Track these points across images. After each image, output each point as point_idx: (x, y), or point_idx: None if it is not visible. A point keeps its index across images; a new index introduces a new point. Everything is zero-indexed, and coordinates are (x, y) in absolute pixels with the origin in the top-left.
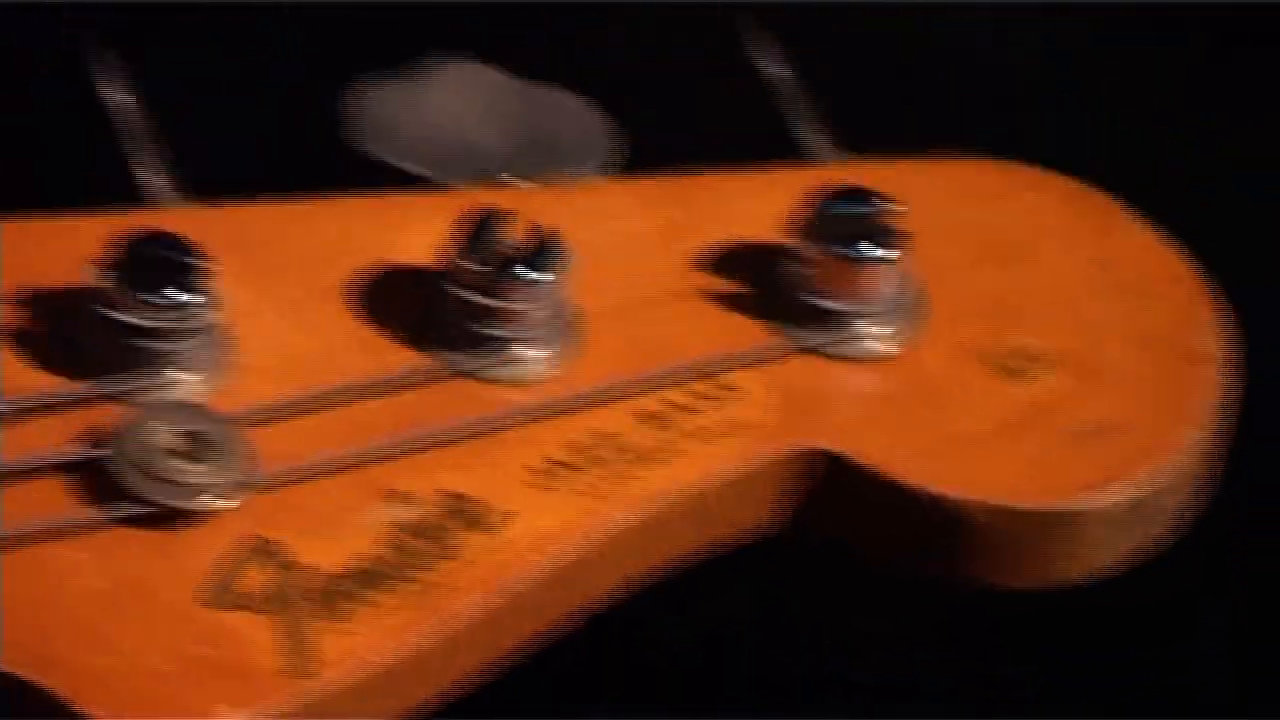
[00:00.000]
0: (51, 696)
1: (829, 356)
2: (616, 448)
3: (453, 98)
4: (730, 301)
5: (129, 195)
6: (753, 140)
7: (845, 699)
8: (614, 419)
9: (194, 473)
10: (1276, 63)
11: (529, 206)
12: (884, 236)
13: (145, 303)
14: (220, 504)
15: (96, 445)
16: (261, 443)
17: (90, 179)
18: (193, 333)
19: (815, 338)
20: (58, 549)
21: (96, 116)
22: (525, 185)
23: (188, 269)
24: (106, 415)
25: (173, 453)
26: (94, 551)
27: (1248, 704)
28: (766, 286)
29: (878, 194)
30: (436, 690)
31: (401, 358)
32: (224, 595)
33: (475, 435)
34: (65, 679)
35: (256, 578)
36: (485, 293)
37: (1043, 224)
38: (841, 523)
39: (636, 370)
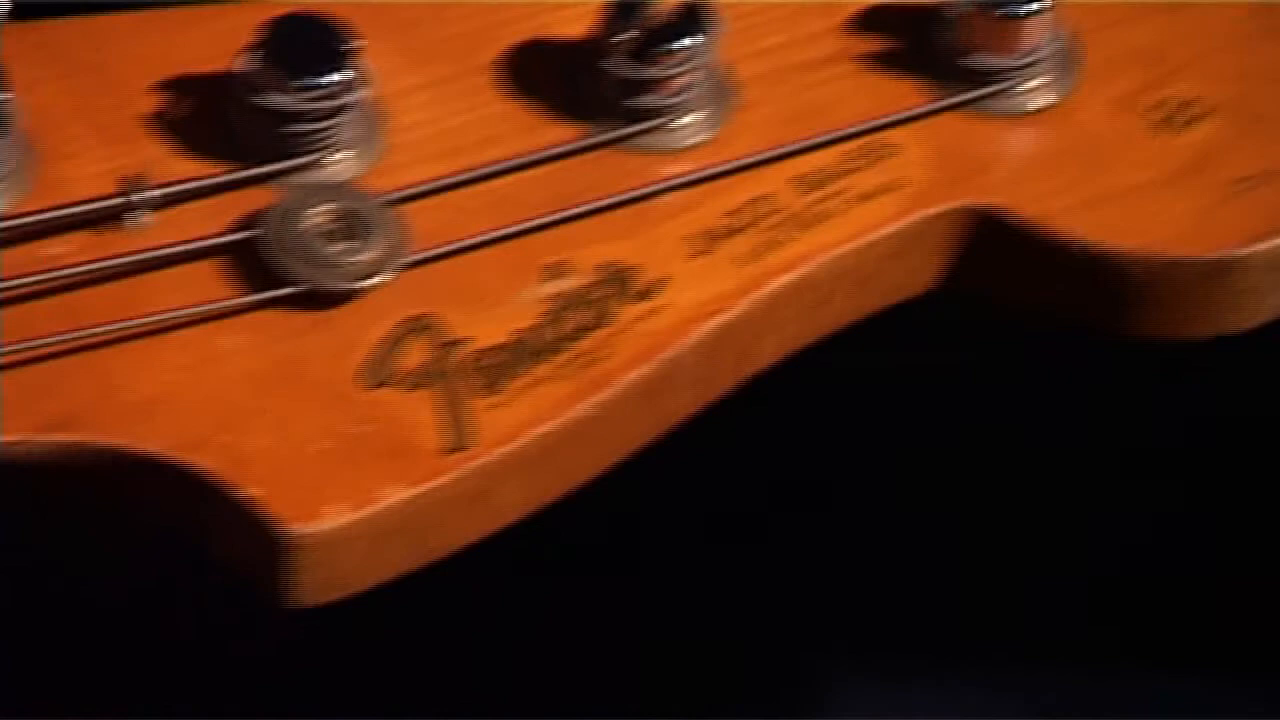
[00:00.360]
0: (212, 480)
1: (984, 114)
2: (773, 212)
3: None
4: (884, 63)
5: None
6: None
7: None
8: (770, 184)
9: (349, 253)
10: None
11: None
12: None
13: (297, 84)
14: (375, 283)
15: (251, 229)
16: (416, 220)
17: None
18: (343, 113)
19: (970, 95)
20: (215, 334)
21: None
22: None
23: (337, 48)
24: (261, 199)
25: (327, 233)
26: (251, 335)
27: None
28: (920, 46)
29: None
30: (596, 463)
31: (555, 133)
32: (381, 374)
33: (630, 205)
34: (226, 462)
35: (414, 355)
36: (638, 62)
37: None
38: (997, 281)
39: (792, 135)
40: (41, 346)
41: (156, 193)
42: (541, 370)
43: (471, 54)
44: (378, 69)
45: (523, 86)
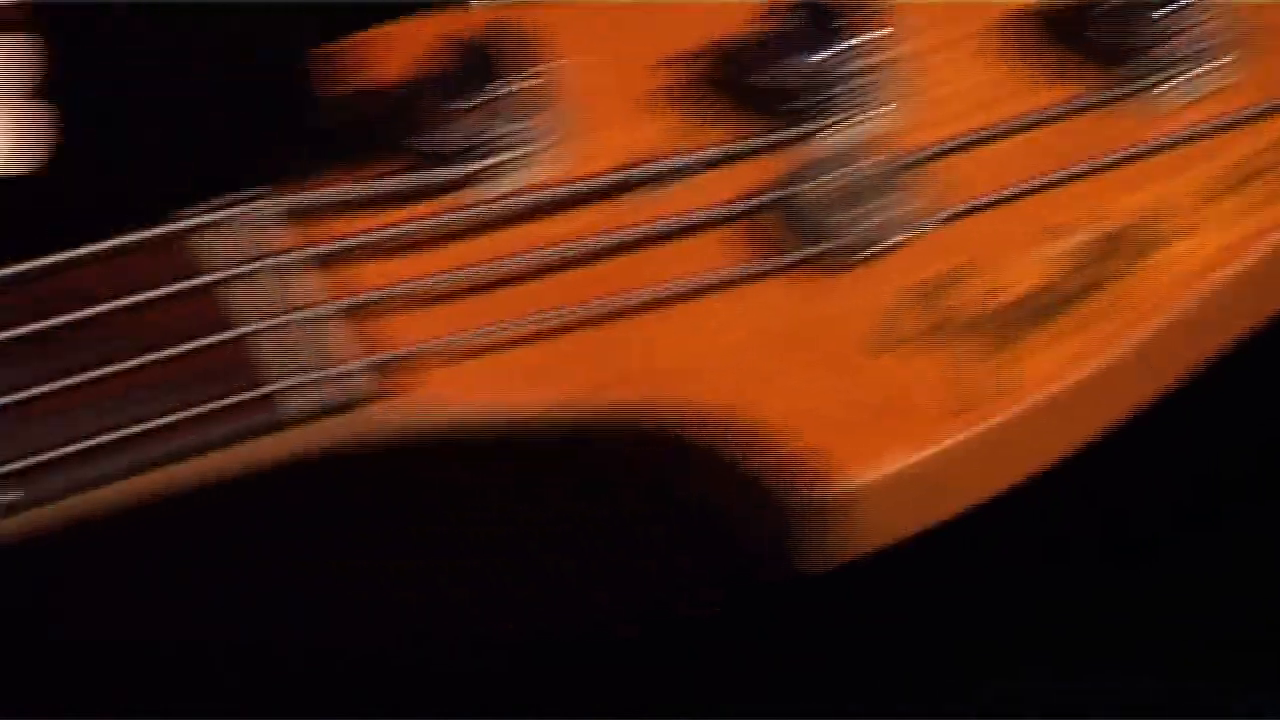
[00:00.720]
0: (724, 445)
1: None
2: None
3: None
4: None
5: None
6: None
7: None
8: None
9: (867, 213)
10: None
11: None
12: None
13: (826, 47)
14: (894, 241)
15: (768, 194)
16: (937, 178)
17: None
18: (862, 77)
19: None
20: (731, 298)
21: None
22: None
23: (861, 9)
24: (768, 169)
25: (847, 195)
26: (769, 296)
27: None
28: None
29: None
30: (1108, 419)
31: (1055, 93)
32: (894, 334)
33: (1144, 156)
34: (739, 427)
35: (926, 315)
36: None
37: None
38: None
39: None
40: (578, 314)
41: (683, 160)
42: (1056, 324)
43: (975, 19)
44: (897, 32)
45: (1018, 50)
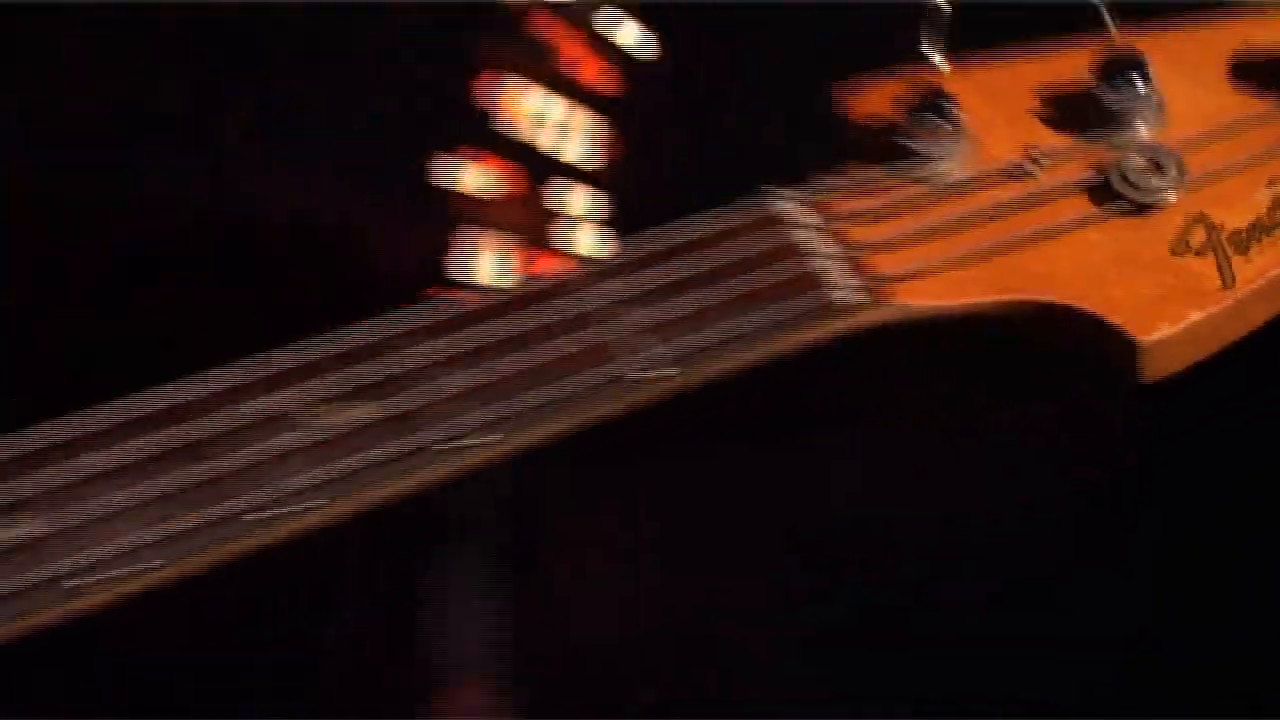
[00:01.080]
0: (1089, 314)
1: None
2: None
3: None
4: None
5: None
6: None
7: None
8: None
9: (1156, 181)
10: None
11: None
12: None
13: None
14: (1172, 197)
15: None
16: (1193, 160)
17: None
18: (1144, 103)
19: None
20: (1091, 232)
21: None
22: None
23: (1141, 70)
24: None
25: (1145, 170)
26: (1105, 232)
27: None
28: None
29: None
30: None
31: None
32: (1181, 247)
33: None
34: (1096, 305)
35: (1199, 235)
36: None
37: None
38: None
39: None
40: (1004, 240)
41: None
42: (1264, 242)
43: (1218, 49)
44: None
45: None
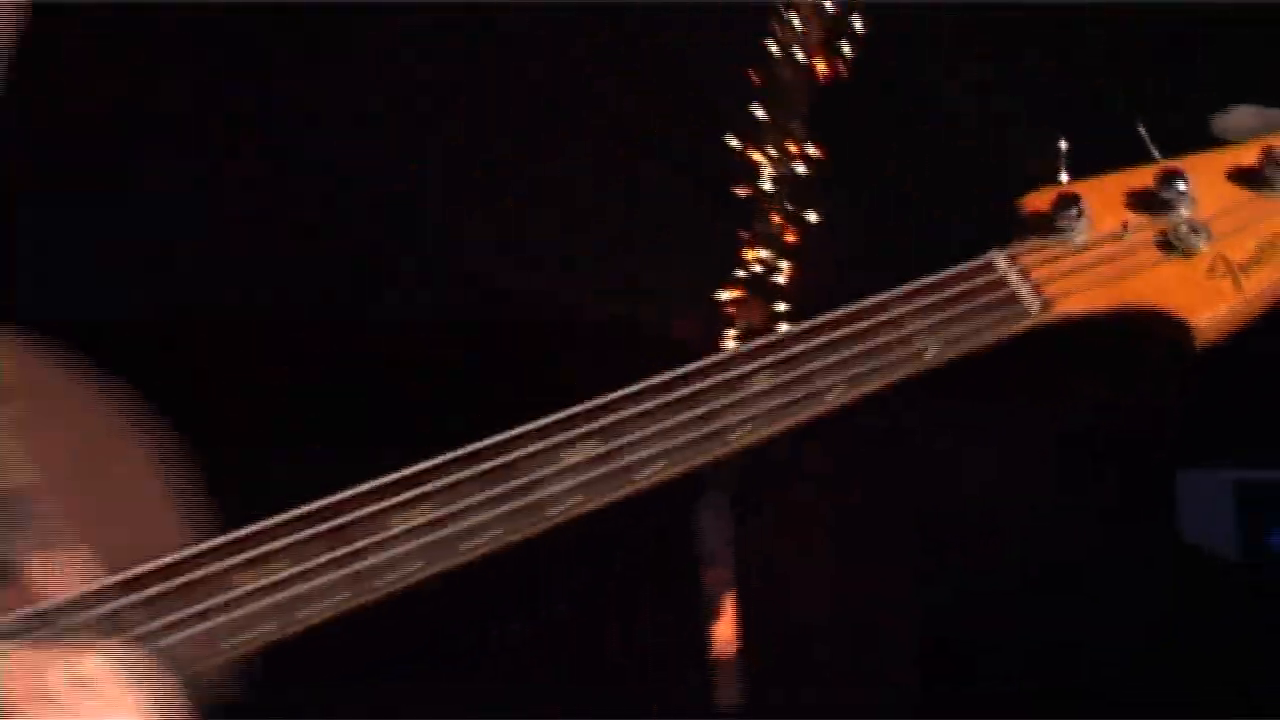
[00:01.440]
0: (1166, 310)
1: None
2: None
3: None
4: None
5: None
6: None
7: None
8: None
9: (1194, 239)
10: None
11: None
12: None
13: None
14: (1204, 247)
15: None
16: (1214, 227)
17: None
18: (1184, 198)
19: None
20: (1160, 268)
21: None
22: None
23: (1183, 178)
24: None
25: (1187, 233)
26: (1170, 266)
27: None
28: None
29: None
30: None
31: None
32: (1211, 273)
33: None
34: (1169, 305)
35: (1221, 266)
36: None
37: None
38: None
39: None
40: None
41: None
42: (1263, 262)
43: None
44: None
45: None
